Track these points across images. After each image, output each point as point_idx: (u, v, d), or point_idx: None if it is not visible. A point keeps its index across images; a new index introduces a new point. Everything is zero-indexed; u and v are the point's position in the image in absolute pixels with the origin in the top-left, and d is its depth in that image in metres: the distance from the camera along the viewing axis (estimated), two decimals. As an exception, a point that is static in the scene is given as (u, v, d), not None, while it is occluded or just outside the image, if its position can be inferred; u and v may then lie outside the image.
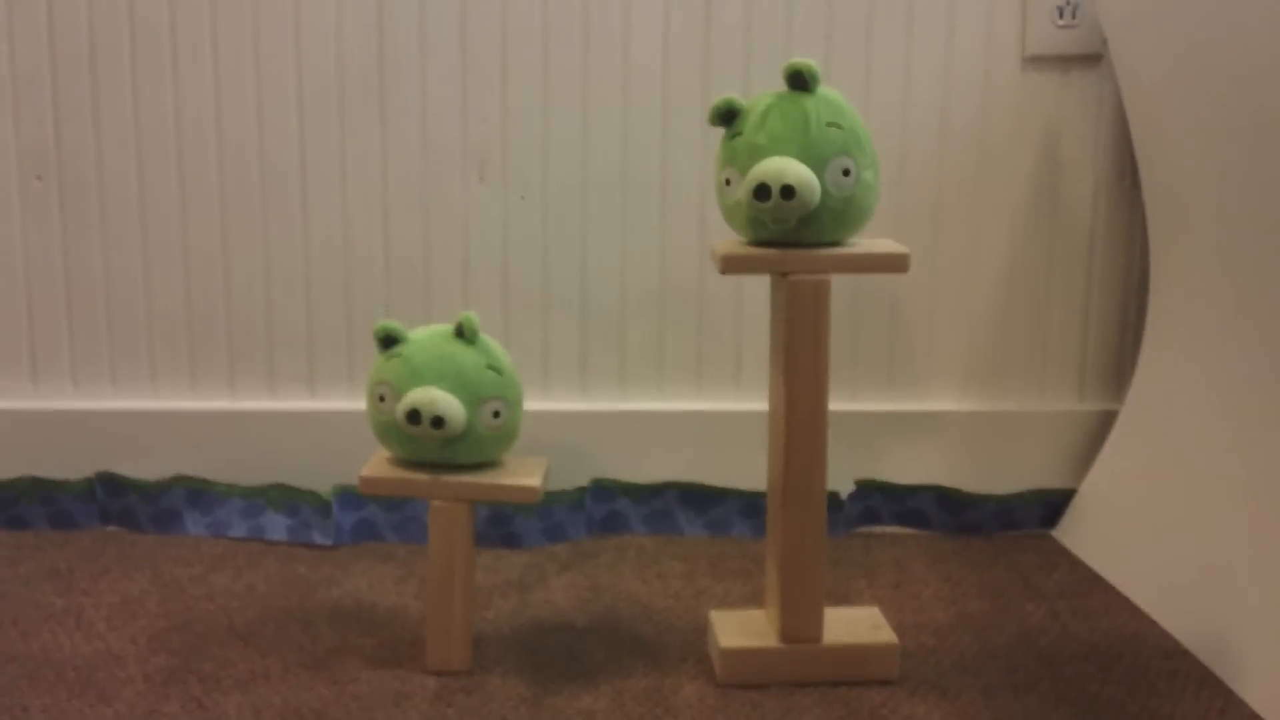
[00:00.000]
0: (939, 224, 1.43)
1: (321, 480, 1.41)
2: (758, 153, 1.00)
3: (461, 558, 1.06)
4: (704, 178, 1.41)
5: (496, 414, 1.06)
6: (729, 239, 1.06)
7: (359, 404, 1.40)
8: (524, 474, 1.07)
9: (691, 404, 1.45)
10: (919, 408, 1.45)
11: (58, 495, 1.41)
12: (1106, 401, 1.45)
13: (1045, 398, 1.46)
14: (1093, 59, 1.40)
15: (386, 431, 1.06)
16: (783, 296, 1.02)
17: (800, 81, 1.01)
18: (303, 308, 1.43)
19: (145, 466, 1.42)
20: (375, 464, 1.08)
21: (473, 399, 1.04)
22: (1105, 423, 1.42)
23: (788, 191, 0.97)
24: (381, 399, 1.06)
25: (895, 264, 1.02)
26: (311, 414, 1.43)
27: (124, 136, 1.40)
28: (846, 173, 1.00)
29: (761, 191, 0.97)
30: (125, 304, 1.42)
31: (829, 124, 1.00)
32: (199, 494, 1.40)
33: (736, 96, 1.03)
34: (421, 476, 1.05)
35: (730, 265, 1.01)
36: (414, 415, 1.02)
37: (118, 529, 1.41)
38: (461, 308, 1.42)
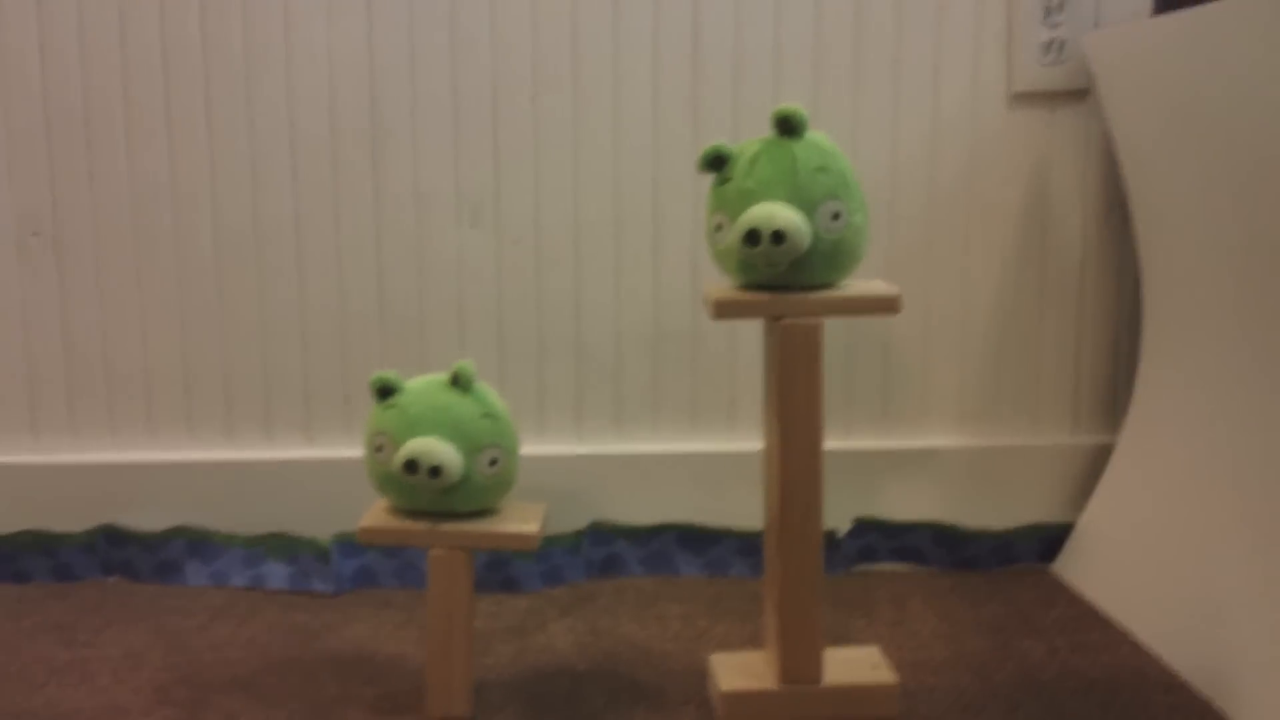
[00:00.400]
0: (930, 261, 1.44)
1: (320, 528, 1.42)
2: (747, 198, 1.01)
3: (461, 606, 1.06)
4: (695, 221, 1.42)
5: (493, 461, 1.06)
6: (720, 283, 1.08)
7: (356, 451, 1.42)
8: (522, 521, 1.08)
9: (687, 445, 1.45)
10: (914, 444, 1.45)
11: (59, 548, 1.41)
12: (1100, 434, 1.46)
13: (1039, 432, 1.47)
14: (1079, 94, 1.42)
15: (384, 481, 1.07)
16: (775, 340, 1.03)
17: (788, 127, 1.02)
18: (299, 356, 1.43)
19: (145, 517, 1.43)
20: (374, 514, 1.09)
21: (470, 447, 1.05)
22: (1100, 456, 1.43)
23: (778, 236, 0.98)
24: (379, 449, 1.06)
25: (886, 305, 1.03)
26: (309, 462, 1.43)
27: (119, 192, 1.41)
28: (836, 216, 1.01)
29: (752, 237, 0.99)
30: (123, 356, 1.43)
31: (817, 168, 1.01)
32: (199, 544, 1.41)
33: (725, 143, 1.05)
34: (420, 526, 1.06)
35: (723, 311, 1.02)
36: (411, 465, 1.03)
37: (119, 580, 1.41)
38: (456, 353, 1.43)
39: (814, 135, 1.04)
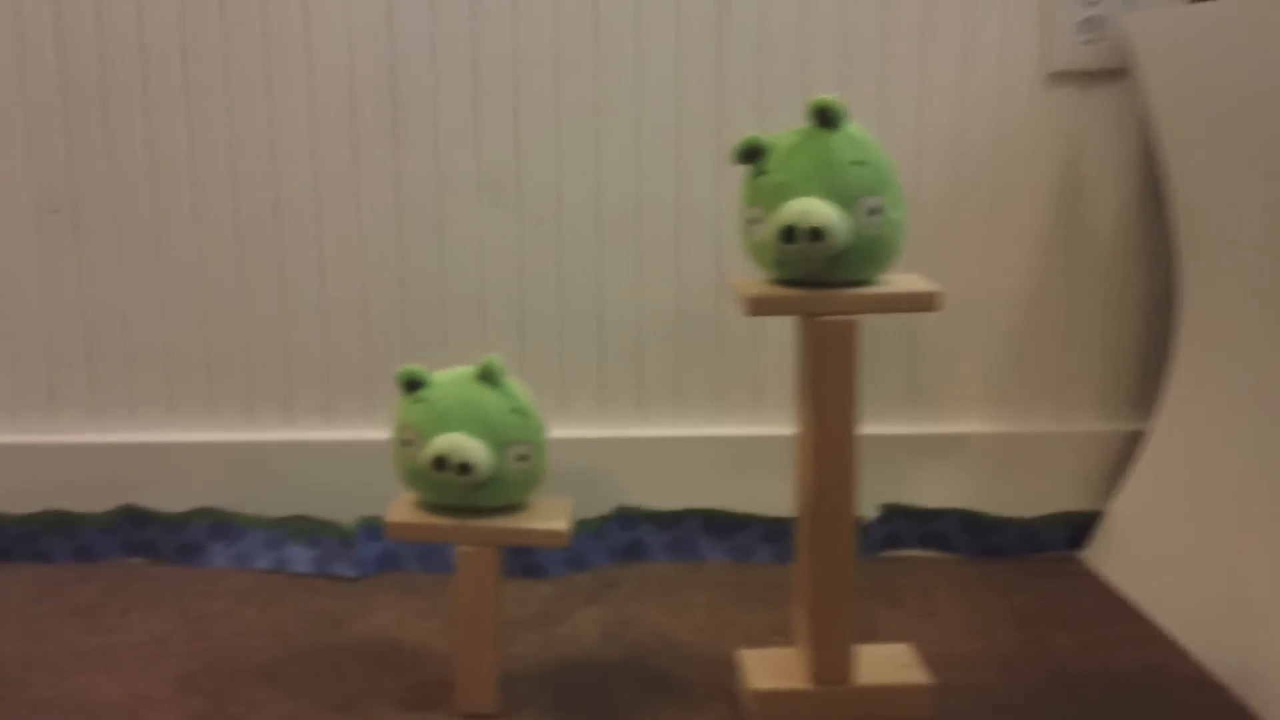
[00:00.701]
0: (958, 244, 1.41)
1: (342, 510, 1.41)
2: (783, 192, 0.99)
3: (489, 602, 1.05)
4: (718, 202, 1.40)
5: (522, 457, 1.05)
6: (750, 274, 1.06)
7: (377, 433, 1.41)
8: (551, 517, 1.06)
9: (711, 429, 1.44)
10: (942, 430, 1.44)
11: (80, 528, 1.41)
12: (1129, 421, 1.44)
13: (1068, 418, 1.45)
14: (1115, 74, 1.39)
15: (412, 475, 1.06)
16: (809, 337, 1.01)
17: (826, 118, 1.00)
18: (319, 337, 1.42)
19: (165, 498, 1.42)
20: (401, 508, 1.07)
21: (498, 443, 1.04)
22: (1129, 442, 1.41)
23: (815, 233, 0.96)
24: (406, 443, 1.05)
25: (924, 303, 1.01)
26: (330, 444, 1.42)
27: (138, 170, 1.39)
28: (874, 211, 0.99)
29: (788, 233, 0.96)
30: (142, 336, 1.42)
31: (855, 162, 0.99)
32: (222, 526, 1.40)
33: (760, 134, 1.02)
34: (448, 522, 1.05)
35: (757, 307, 1.00)
36: (440, 462, 1.01)
37: (141, 561, 1.41)
38: (478, 334, 1.41)
39: (852, 127, 1.01)
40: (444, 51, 1.37)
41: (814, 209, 0.96)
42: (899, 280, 1.04)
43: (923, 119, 1.39)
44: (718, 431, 1.43)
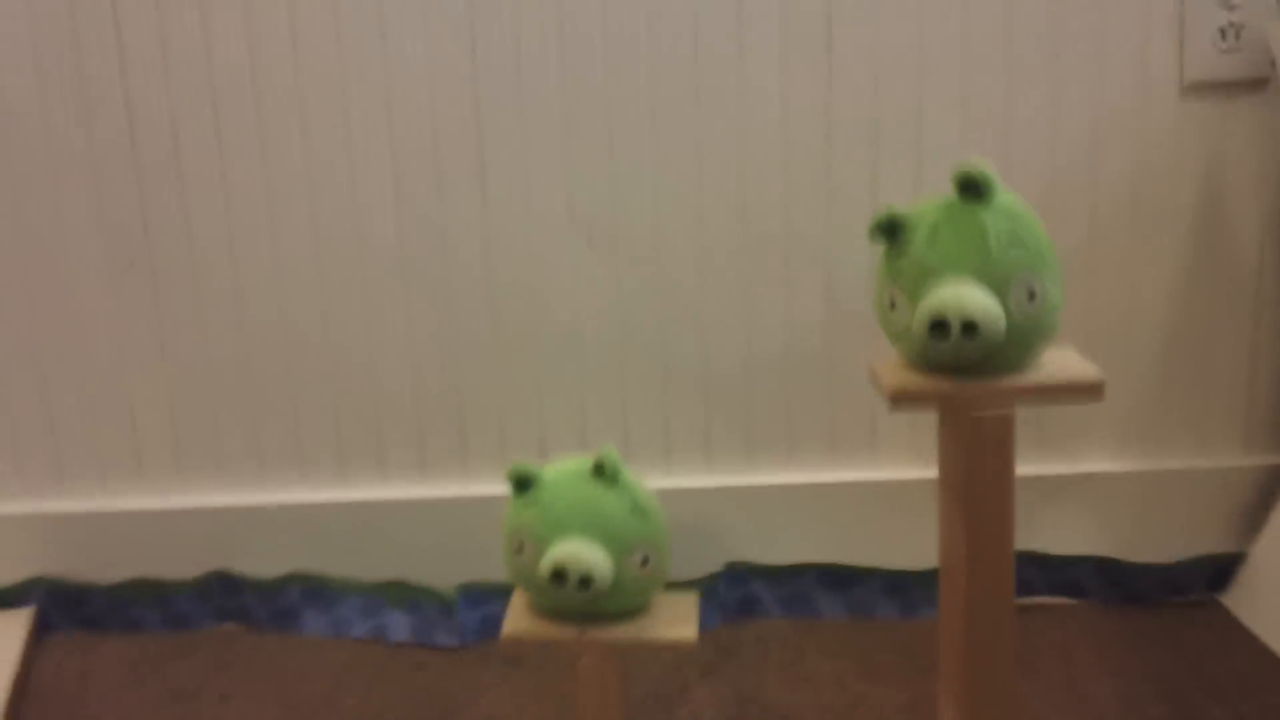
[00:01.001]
0: (1092, 268, 1.31)
1: (440, 570, 1.35)
2: (928, 274, 0.90)
3: (612, 709, 0.99)
4: (826, 238, 1.30)
5: (645, 561, 0.98)
6: (887, 353, 0.97)
7: (472, 489, 1.34)
8: (676, 621, 0.99)
9: (824, 475, 1.36)
10: (1072, 469, 1.35)
11: (171, 596, 1.36)
12: (1273, 455, 1.34)
13: (1206, 453, 1.35)
14: (1258, 84, 1.27)
15: (525, 582, 0.99)
16: (960, 433, 0.92)
17: (974, 191, 0.90)
18: (410, 389, 1.35)
19: (258, 563, 1.36)
20: (516, 616, 1.01)
21: (619, 548, 0.96)
22: (1272, 478, 1.32)
23: (969, 328, 0.87)
24: (519, 549, 0.98)
25: (1089, 394, 0.92)
26: (425, 502, 1.36)
27: (214, 218, 1.32)
28: (1031, 294, 0.90)
29: (939, 327, 0.87)
30: (226, 392, 1.36)
31: (1010, 241, 0.89)
32: (316, 591, 1.35)
33: (899, 207, 0.93)
34: (568, 632, 0.98)
35: (901, 400, 0.92)
36: (559, 575, 0.94)
37: (235, 627, 1.36)
38: (575, 382, 1.34)
39: (1004, 198, 0.92)
40: (529, 82, 1.28)
41: (967, 300, 0.87)
42: (1056, 362, 0.95)
43: (1055, 138, 1.29)
44: (831, 478, 1.35)
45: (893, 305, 0.93)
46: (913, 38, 1.27)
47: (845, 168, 1.29)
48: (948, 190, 0.91)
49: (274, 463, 1.37)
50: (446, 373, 1.35)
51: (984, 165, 0.90)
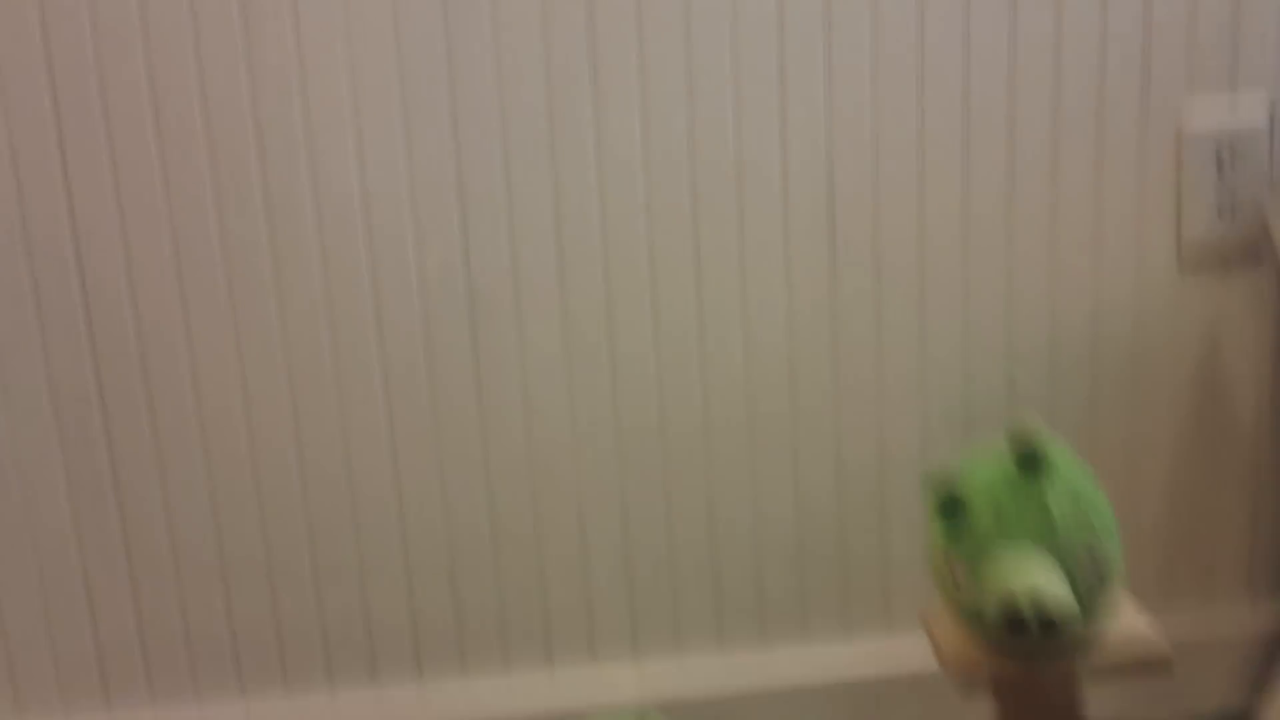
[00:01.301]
0: (1094, 436, 1.30)
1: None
2: (992, 551, 0.87)
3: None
4: (835, 413, 1.27)
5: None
6: (936, 603, 0.94)
7: (473, 699, 1.29)
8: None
9: (838, 647, 1.33)
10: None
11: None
12: (1277, 616, 1.36)
13: (1210, 613, 1.36)
14: (1255, 256, 1.28)
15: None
16: (1022, 696, 0.90)
17: (1034, 466, 0.88)
18: (403, 594, 1.29)
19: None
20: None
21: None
22: (1277, 639, 1.33)
23: (1048, 626, 0.84)
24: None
25: (1158, 666, 0.90)
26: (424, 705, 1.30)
27: (185, 421, 1.24)
28: (1093, 560, 0.88)
29: (1015, 623, 0.85)
30: (202, 610, 1.28)
31: (1076, 520, 0.88)
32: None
33: (956, 482, 0.90)
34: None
35: (970, 679, 0.89)
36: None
37: None
38: (580, 571, 1.29)
39: (1062, 464, 0.89)
40: (528, 272, 1.23)
41: (1046, 593, 0.85)
42: (1121, 631, 0.93)
43: (1056, 307, 1.27)
44: (847, 651, 1.33)
45: (955, 582, 0.90)
46: (913, 219, 1.24)
47: (850, 343, 1.26)
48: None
49: (300, 674, 1.30)
50: (441, 573, 1.28)
51: (1039, 436, 0.88)
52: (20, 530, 1.25)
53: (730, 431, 1.28)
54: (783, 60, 1.20)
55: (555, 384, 1.25)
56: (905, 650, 1.32)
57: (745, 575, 1.31)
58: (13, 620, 1.26)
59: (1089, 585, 0.88)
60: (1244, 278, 1.28)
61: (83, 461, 1.24)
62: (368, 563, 1.28)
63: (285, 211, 1.20)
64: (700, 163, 1.21)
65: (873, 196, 1.23)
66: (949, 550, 0.90)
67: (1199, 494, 1.33)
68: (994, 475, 0.89)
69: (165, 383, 1.22)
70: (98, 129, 1.17)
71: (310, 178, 1.20)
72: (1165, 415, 1.31)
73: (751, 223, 1.23)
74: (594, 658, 1.32)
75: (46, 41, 1.15)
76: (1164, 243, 1.27)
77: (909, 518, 1.29)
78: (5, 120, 1.16)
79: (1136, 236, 1.27)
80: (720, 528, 1.30)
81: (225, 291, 1.21)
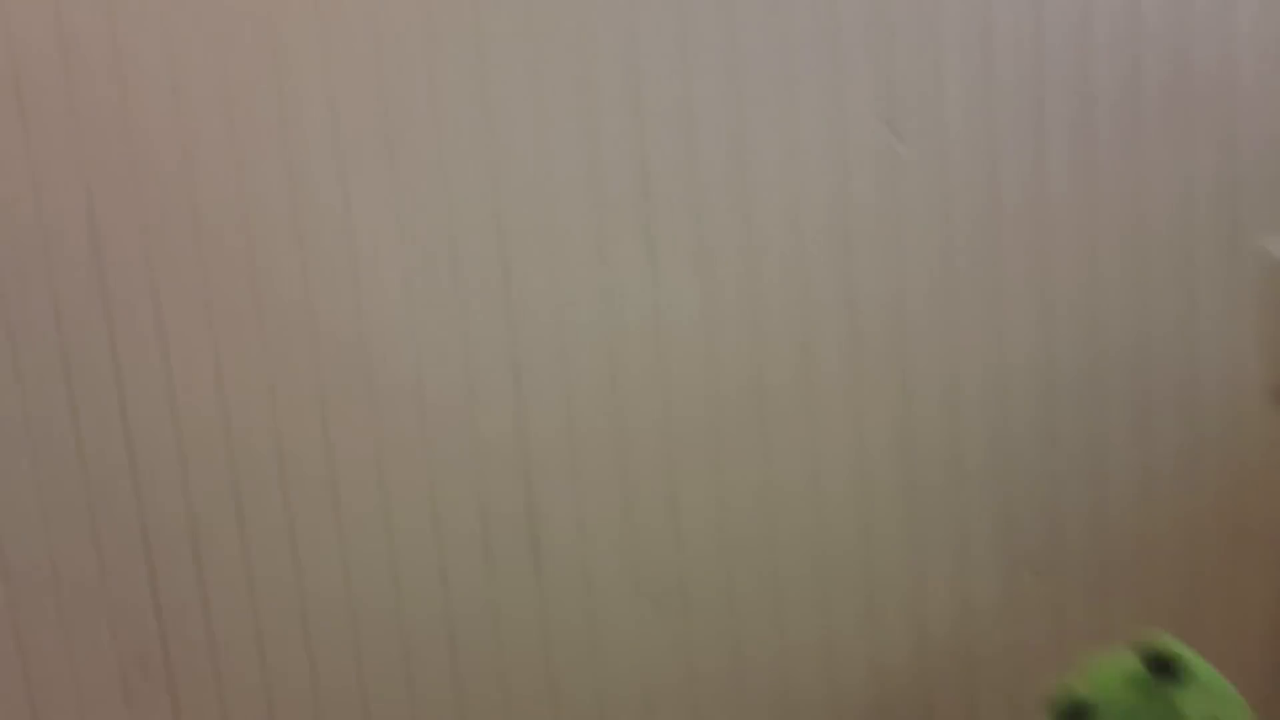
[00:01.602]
0: (1193, 595, 1.24)
1: None
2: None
3: None
4: (910, 577, 1.21)
5: None
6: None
7: None
8: None
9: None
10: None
11: None
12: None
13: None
14: (1347, 383, 1.22)
15: None
16: None
17: (1169, 672, 0.81)
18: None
19: None
20: None
21: None
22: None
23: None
24: None
25: None
26: None
27: (239, 619, 1.18)
28: (1232, 769, 0.81)
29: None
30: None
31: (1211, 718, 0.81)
32: None
33: (1080, 688, 0.84)
34: None
35: None
36: None
37: None
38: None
39: (1195, 669, 0.83)
40: (587, 454, 1.17)
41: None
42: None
43: (1146, 448, 1.21)
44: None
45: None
46: (993, 370, 1.19)
47: (928, 498, 1.21)
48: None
49: None
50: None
51: (1174, 644, 0.82)
52: None
53: (799, 595, 1.22)
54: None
55: (614, 568, 1.19)
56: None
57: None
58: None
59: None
60: (1340, 407, 1.22)
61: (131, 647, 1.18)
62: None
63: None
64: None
65: (944, 344, 1.18)
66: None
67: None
68: (1124, 684, 0.82)
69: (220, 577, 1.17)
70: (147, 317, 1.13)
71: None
72: (1264, 551, 1.24)
73: (817, 382, 1.18)
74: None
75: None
76: (1253, 373, 1.21)
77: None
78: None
79: (1226, 369, 1.21)
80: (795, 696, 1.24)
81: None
